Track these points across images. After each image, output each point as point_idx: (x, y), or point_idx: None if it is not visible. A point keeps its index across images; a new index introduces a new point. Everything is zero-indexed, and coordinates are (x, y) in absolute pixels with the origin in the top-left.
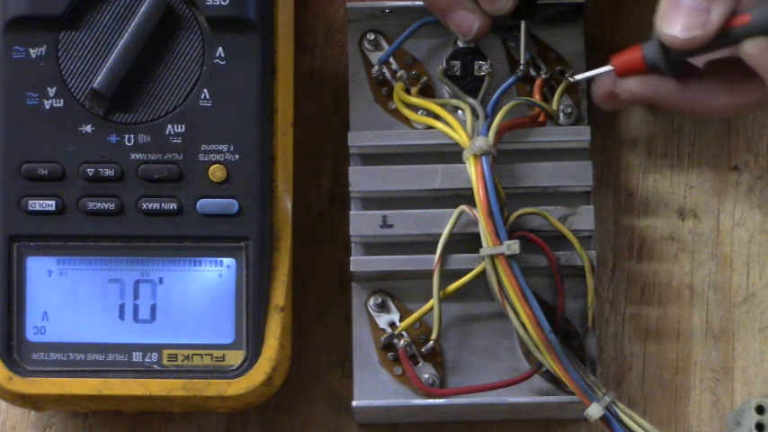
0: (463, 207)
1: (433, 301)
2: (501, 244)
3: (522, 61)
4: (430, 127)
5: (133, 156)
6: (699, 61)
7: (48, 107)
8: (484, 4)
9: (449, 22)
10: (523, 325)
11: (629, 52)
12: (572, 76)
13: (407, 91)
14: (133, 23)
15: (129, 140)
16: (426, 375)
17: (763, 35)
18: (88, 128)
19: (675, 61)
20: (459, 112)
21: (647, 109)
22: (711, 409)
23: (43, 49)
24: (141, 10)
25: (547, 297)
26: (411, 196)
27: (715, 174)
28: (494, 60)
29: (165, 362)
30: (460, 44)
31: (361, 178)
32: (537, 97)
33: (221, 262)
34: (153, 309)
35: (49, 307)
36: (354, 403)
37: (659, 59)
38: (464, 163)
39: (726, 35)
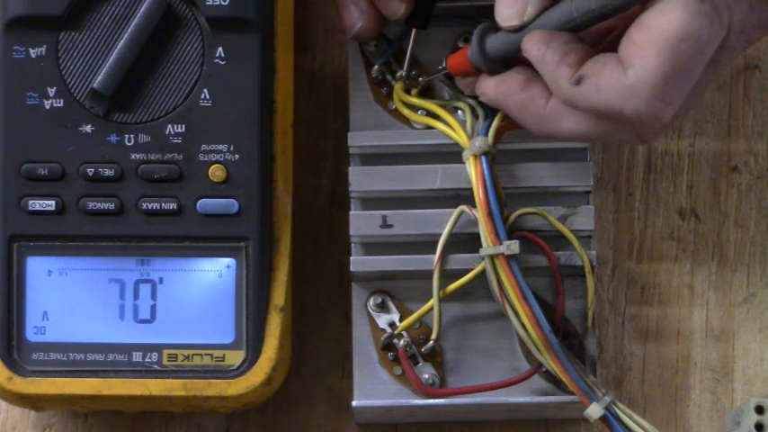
0: (463, 207)
1: (433, 301)
2: (501, 244)
3: (403, 72)
4: (430, 127)
5: (133, 156)
6: None
7: (48, 107)
8: (378, 4)
9: (339, 14)
10: (523, 325)
11: (461, 52)
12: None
13: (407, 91)
14: (133, 23)
15: (129, 140)
16: (426, 375)
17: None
18: (88, 128)
19: (492, 59)
20: (459, 112)
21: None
22: (711, 409)
23: (43, 49)
24: (141, 10)
25: (547, 297)
26: (411, 196)
27: (715, 174)
28: None
29: (165, 362)
30: (460, 44)
31: (361, 178)
32: None
33: (221, 262)
34: (153, 309)
35: (48, 307)
36: (354, 403)
37: (478, 57)
38: (464, 163)
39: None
